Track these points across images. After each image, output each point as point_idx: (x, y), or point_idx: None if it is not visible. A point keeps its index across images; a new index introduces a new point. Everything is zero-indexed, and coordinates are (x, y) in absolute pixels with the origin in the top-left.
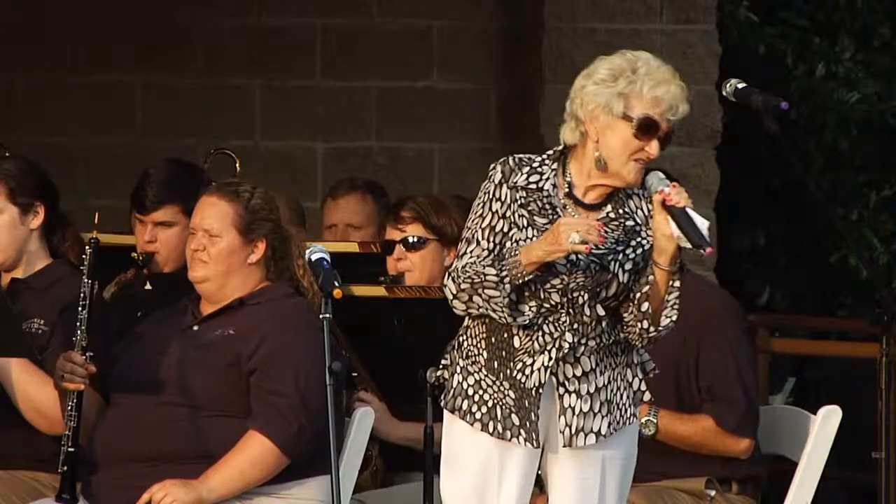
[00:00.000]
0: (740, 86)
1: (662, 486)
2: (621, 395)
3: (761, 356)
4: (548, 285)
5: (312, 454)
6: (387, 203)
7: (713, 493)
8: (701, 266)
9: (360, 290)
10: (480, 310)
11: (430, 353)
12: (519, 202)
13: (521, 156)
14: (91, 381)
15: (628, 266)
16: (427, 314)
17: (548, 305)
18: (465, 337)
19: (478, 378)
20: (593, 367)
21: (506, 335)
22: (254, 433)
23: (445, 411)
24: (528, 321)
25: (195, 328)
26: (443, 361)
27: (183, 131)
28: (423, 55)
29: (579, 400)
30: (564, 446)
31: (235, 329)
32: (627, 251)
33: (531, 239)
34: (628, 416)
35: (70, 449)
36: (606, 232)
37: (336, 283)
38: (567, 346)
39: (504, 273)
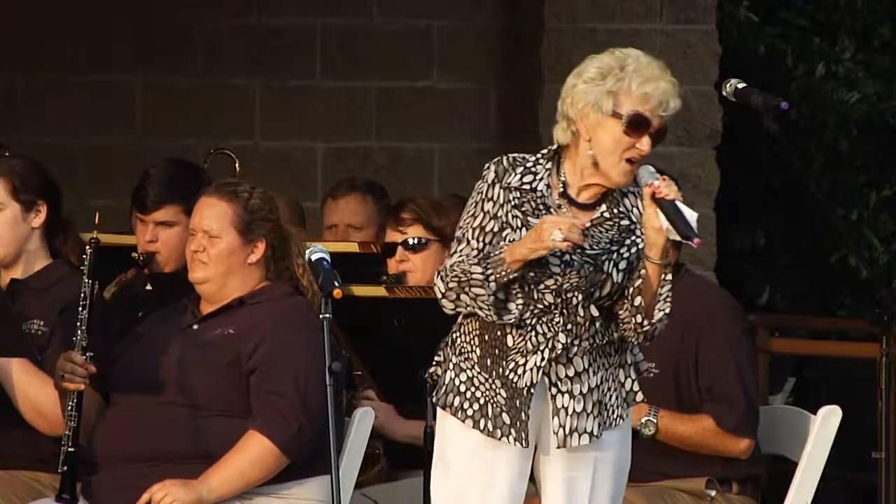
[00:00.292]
0: (740, 86)
1: (662, 486)
2: (612, 396)
3: (761, 356)
4: (541, 286)
5: (312, 454)
6: (387, 204)
7: (713, 493)
8: (701, 266)
9: (360, 290)
10: (468, 308)
11: (430, 353)
12: (513, 203)
13: (515, 155)
14: (91, 381)
15: (623, 266)
16: (427, 314)
17: (541, 306)
18: (458, 333)
19: (470, 375)
20: (586, 367)
21: (499, 333)
22: (254, 433)
23: (437, 408)
24: (514, 320)
25: (195, 328)
26: (436, 358)
27: (183, 131)
28: (423, 55)
29: (572, 400)
30: (558, 447)
31: (235, 328)
32: (622, 251)
33: None
34: (616, 416)
35: (70, 449)
36: (600, 232)
37: (336, 283)
38: (560, 346)
39: (489, 271)
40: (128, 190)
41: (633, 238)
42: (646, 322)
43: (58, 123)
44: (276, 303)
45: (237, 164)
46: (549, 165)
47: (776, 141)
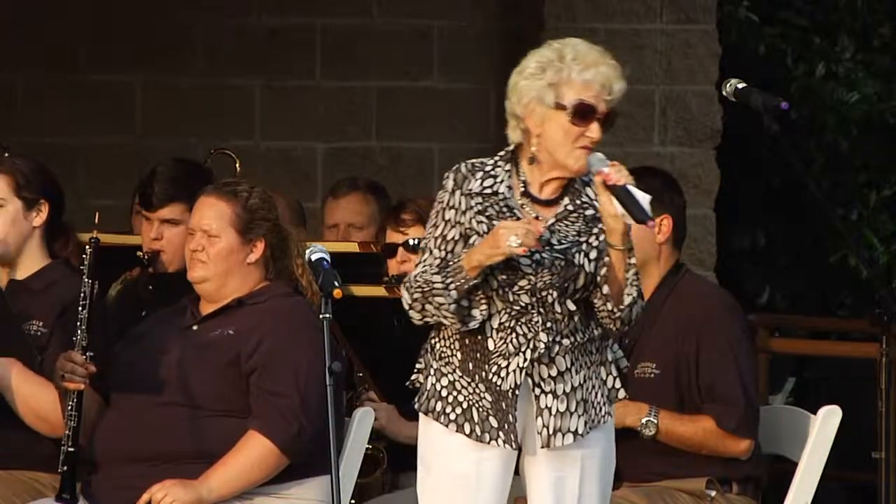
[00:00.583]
0: (740, 86)
1: (663, 487)
2: (596, 394)
3: (761, 356)
4: (516, 287)
5: (312, 454)
6: (388, 204)
7: (713, 493)
8: (701, 266)
9: (360, 290)
10: (434, 317)
11: None
12: (476, 209)
13: (474, 161)
14: (91, 381)
15: (593, 255)
16: None
17: (518, 307)
18: (437, 339)
19: (451, 379)
20: (568, 366)
21: (479, 337)
22: (254, 433)
23: (420, 413)
24: (476, 325)
25: (195, 328)
26: (417, 365)
27: (183, 131)
28: (423, 55)
29: (556, 400)
30: (543, 447)
31: (235, 329)
32: (591, 240)
33: None
34: (603, 413)
35: (70, 449)
36: (566, 225)
37: (336, 283)
38: (542, 346)
39: (449, 280)
40: (128, 190)
41: (600, 226)
42: (616, 309)
43: (58, 123)
44: (276, 303)
45: (237, 164)
46: (507, 167)
47: (776, 141)
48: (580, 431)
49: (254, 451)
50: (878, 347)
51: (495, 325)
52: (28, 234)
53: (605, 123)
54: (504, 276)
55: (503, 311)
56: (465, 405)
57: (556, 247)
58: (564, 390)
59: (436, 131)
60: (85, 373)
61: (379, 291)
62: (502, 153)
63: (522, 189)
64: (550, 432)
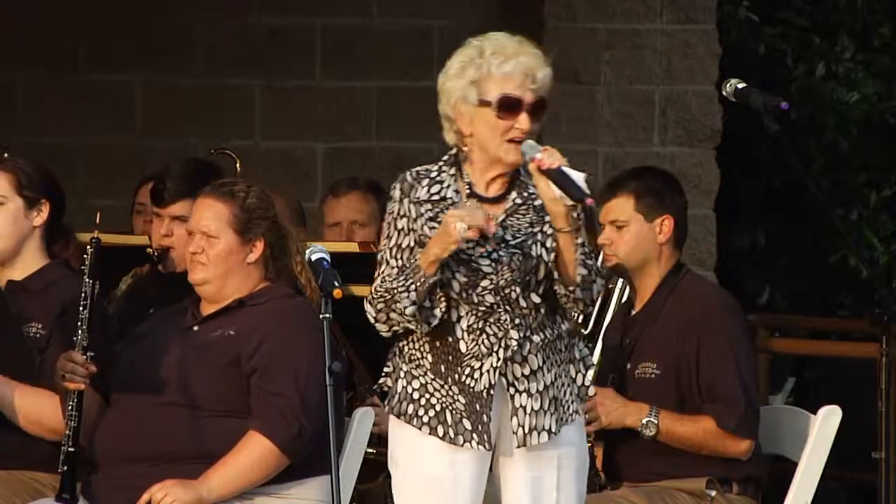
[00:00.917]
0: (740, 86)
1: (663, 487)
2: (566, 392)
3: (761, 356)
4: (479, 288)
5: (312, 454)
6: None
7: (714, 493)
8: (701, 266)
9: (361, 290)
10: (401, 325)
11: None
12: (426, 216)
13: (418, 169)
14: (91, 381)
15: (549, 244)
16: None
17: (483, 308)
18: (405, 342)
19: (423, 382)
20: (540, 364)
21: (450, 339)
22: (254, 433)
23: (391, 417)
24: (437, 322)
25: (195, 329)
26: (385, 368)
27: (183, 131)
28: (423, 55)
29: (530, 399)
30: (519, 446)
31: (236, 329)
32: (545, 229)
33: None
34: (571, 411)
35: (70, 449)
36: (517, 219)
37: (336, 283)
38: (514, 343)
39: (409, 282)
40: (128, 190)
41: None
42: (570, 291)
43: (58, 123)
44: (277, 304)
45: (238, 165)
46: (452, 171)
47: (776, 141)
48: (553, 429)
49: (254, 452)
50: (878, 347)
51: (465, 328)
52: (28, 234)
53: (534, 113)
54: (465, 279)
55: (470, 313)
56: (437, 408)
57: (511, 242)
58: (538, 388)
59: (436, 131)
60: (85, 373)
61: None
62: (445, 158)
63: (468, 191)
64: (526, 431)
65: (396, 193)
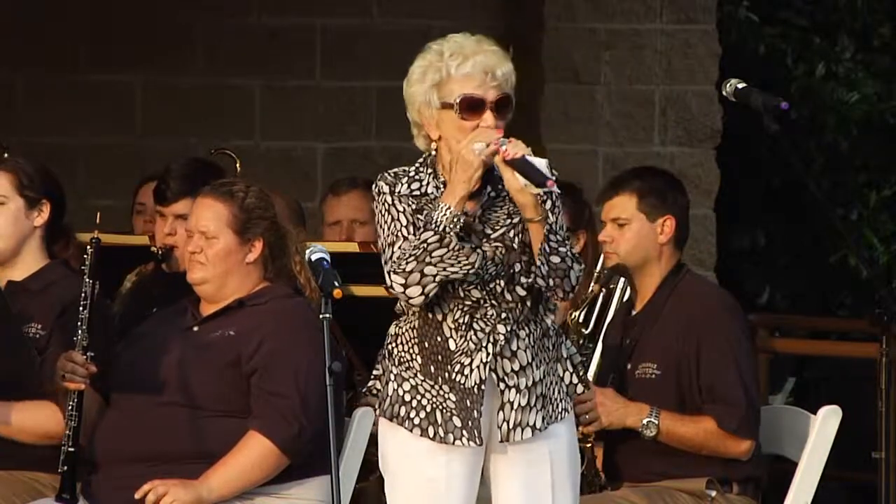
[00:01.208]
0: (740, 86)
1: (663, 487)
2: (554, 390)
3: (761, 356)
4: (465, 284)
5: (312, 454)
6: None
7: (714, 493)
8: (701, 266)
9: (360, 290)
10: (437, 278)
11: None
12: (413, 207)
13: (395, 170)
14: (91, 381)
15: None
16: None
17: (469, 303)
18: (394, 345)
19: (414, 384)
20: (530, 360)
21: (439, 339)
22: (254, 433)
23: (383, 420)
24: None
25: (195, 329)
26: (374, 372)
27: (183, 131)
28: None
29: (518, 394)
30: (501, 441)
31: (236, 330)
32: (523, 221)
33: None
34: (561, 409)
35: (70, 449)
36: (495, 212)
37: (336, 283)
38: (502, 337)
39: (442, 226)
40: (128, 190)
41: None
42: (547, 280)
43: (58, 123)
44: (277, 304)
45: (238, 165)
46: (429, 171)
47: (776, 141)
48: (538, 426)
49: (254, 452)
50: (878, 347)
51: (452, 325)
52: (28, 234)
53: (498, 109)
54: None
55: (456, 308)
56: (428, 408)
57: (492, 235)
58: (526, 384)
59: None
60: (85, 373)
61: (379, 291)
62: (421, 160)
63: (443, 189)
64: (510, 426)
65: (385, 188)
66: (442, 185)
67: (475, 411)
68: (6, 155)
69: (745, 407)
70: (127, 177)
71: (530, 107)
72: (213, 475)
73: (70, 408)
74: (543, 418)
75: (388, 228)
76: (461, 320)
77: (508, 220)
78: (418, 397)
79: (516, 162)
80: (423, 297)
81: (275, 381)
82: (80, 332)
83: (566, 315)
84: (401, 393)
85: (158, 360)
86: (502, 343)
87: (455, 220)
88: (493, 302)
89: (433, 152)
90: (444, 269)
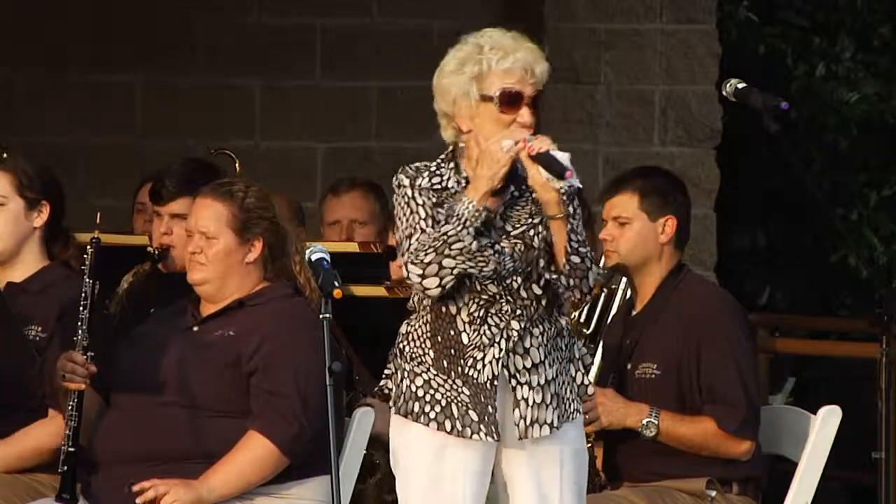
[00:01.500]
0: (740, 86)
1: (663, 486)
2: (567, 389)
3: (761, 356)
4: (482, 278)
5: (312, 454)
6: (386, 204)
7: (714, 493)
8: (701, 266)
9: (360, 290)
10: (455, 271)
11: None
12: (433, 200)
13: (416, 164)
14: (91, 381)
15: (549, 235)
16: None
17: (485, 297)
18: (405, 342)
19: (426, 378)
20: (542, 358)
21: (452, 332)
22: (254, 434)
23: (396, 417)
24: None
25: (195, 329)
26: (385, 371)
27: (183, 131)
28: (423, 55)
29: (531, 391)
30: (520, 438)
31: (236, 330)
32: (544, 220)
33: None
34: (573, 409)
35: (70, 449)
36: (517, 210)
37: (336, 283)
38: (516, 334)
39: (464, 219)
40: (128, 190)
41: None
42: (566, 279)
43: (58, 123)
44: (277, 304)
45: (237, 165)
46: (451, 166)
47: (776, 141)
48: (555, 423)
49: (254, 452)
50: (878, 347)
51: (466, 319)
52: (28, 235)
53: (533, 106)
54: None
55: (472, 302)
56: (443, 402)
57: (512, 232)
58: (539, 382)
59: (436, 131)
60: (85, 373)
61: (379, 291)
62: (442, 156)
63: (465, 184)
64: (527, 423)
65: (405, 181)
66: (464, 181)
67: (490, 406)
68: (5, 155)
69: (745, 407)
70: (127, 177)
71: None
72: (212, 475)
73: (70, 408)
74: (559, 417)
75: (407, 220)
76: (476, 314)
77: (529, 220)
78: (432, 391)
79: (541, 156)
80: (439, 290)
81: (275, 382)
82: (80, 332)
83: (569, 307)
84: (413, 389)
85: (158, 360)
86: (515, 339)
87: (477, 214)
88: (509, 298)
89: (461, 144)
90: (463, 263)
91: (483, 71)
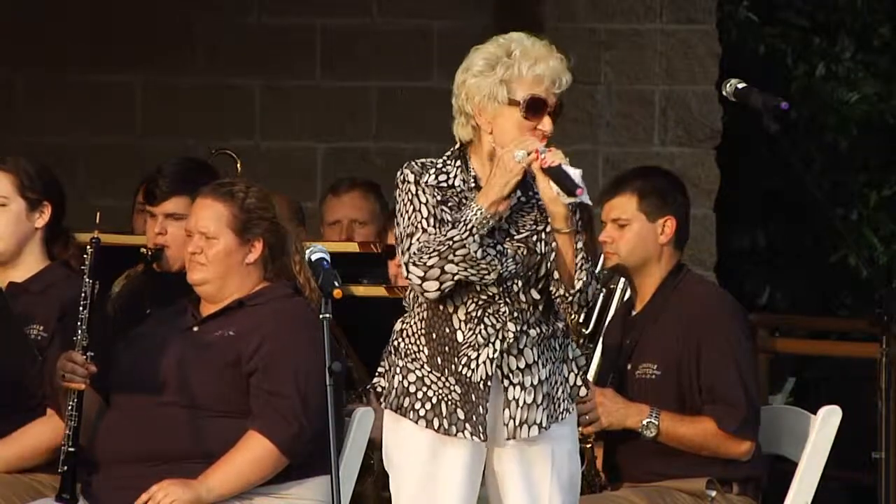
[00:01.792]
0: (740, 86)
1: (663, 487)
2: (559, 389)
3: (761, 356)
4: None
5: (312, 454)
6: (385, 204)
7: (714, 493)
8: (701, 266)
9: (360, 290)
10: (456, 277)
11: None
12: (437, 197)
13: (422, 160)
14: (91, 381)
15: (553, 243)
16: None
17: (485, 297)
18: (400, 339)
19: (419, 375)
20: (536, 359)
21: (447, 330)
22: (253, 433)
23: (388, 412)
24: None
25: (195, 329)
26: (379, 369)
27: (183, 131)
28: (423, 55)
29: (523, 392)
30: (507, 438)
31: (236, 330)
32: (548, 228)
33: None
34: (563, 409)
35: (70, 449)
36: (522, 216)
37: (336, 283)
38: (511, 335)
39: (471, 225)
40: (128, 190)
41: None
42: (568, 293)
43: (58, 123)
44: (277, 304)
45: (238, 165)
46: (458, 164)
47: (776, 141)
48: (544, 424)
49: (253, 452)
50: (878, 347)
51: (463, 317)
52: (29, 235)
53: (554, 116)
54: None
55: (470, 301)
56: (434, 400)
57: (516, 236)
58: (532, 382)
59: (436, 131)
60: (85, 373)
61: (379, 291)
62: (449, 152)
63: (473, 184)
64: (517, 423)
65: (410, 177)
66: (472, 180)
67: (480, 406)
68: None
69: (745, 408)
70: (127, 177)
71: None
72: (212, 475)
73: (70, 408)
74: (549, 417)
75: (409, 218)
76: (473, 313)
77: (534, 226)
78: (424, 388)
79: (552, 170)
80: (438, 293)
81: (275, 381)
82: (80, 332)
83: (566, 316)
84: (406, 385)
85: (158, 360)
86: (510, 341)
87: (485, 222)
88: (507, 300)
89: (478, 143)
90: (465, 271)
91: (514, 75)
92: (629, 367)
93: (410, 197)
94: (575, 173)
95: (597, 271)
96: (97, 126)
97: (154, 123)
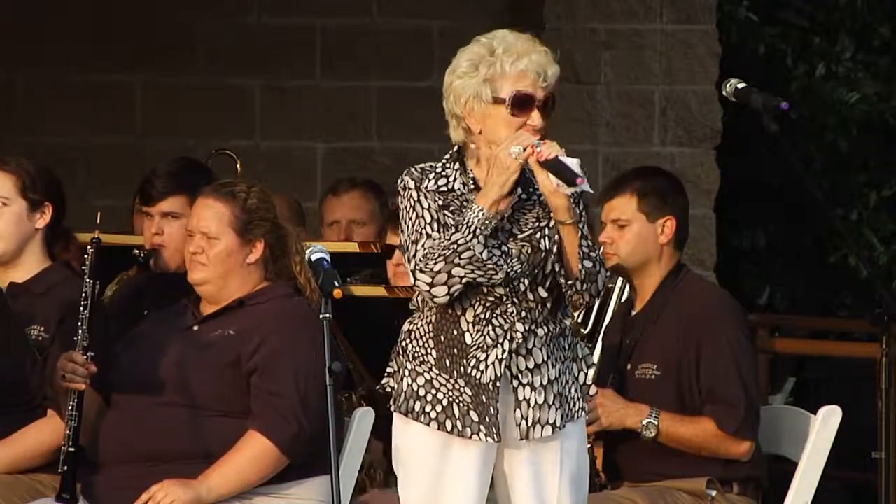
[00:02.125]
0: (740, 86)
1: (663, 487)
2: (570, 388)
3: (761, 356)
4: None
5: (312, 454)
6: (385, 203)
7: (714, 493)
8: (701, 266)
9: (360, 290)
10: (464, 280)
11: None
12: (439, 202)
13: (422, 165)
14: (91, 381)
15: (556, 237)
16: None
17: (492, 298)
18: (408, 341)
19: (428, 378)
20: (545, 359)
21: (455, 332)
22: (253, 433)
23: (397, 415)
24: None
25: (195, 329)
26: (387, 370)
27: (183, 131)
28: (423, 55)
29: (533, 392)
30: (521, 439)
31: (236, 329)
32: (551, 223)
33: None
34: (577, 409)
35: (70, 449)
36: (524, 213)
37: (336, 283)
38: (520, 336)
39: (473, 227)
40: (128, 190)
41: None
42: (576, 283)
43: (58, 123)
44: (277, 303)
45: (238, 165)
46: (456, 166)
47: (776, 141)
48: (557, 424)
49: (253, 451)
50: (878, 347)
51: (471, 319)
52: (30, 236)
53: (544, 110)
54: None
55: (478, 303)
56: (444, 402)
57: (519, 235)
58: (541, 382)
59: (436, 131)
60: (86, 373)
61: (379, 291)
62: (448, 155)
63: (472, 186)
64: (529, 424)
65: (411, 183)
66: (471, 182)
67: (491, 407)
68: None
69: (745, 408)
70: (127, 177)
71: None
72: (212, 475)
73: (70, 408)
74: (562, 416)
75: (413, 225)
76: (481, 315)
77: (537, 223)
78: (433, 391)
79: (550, 163)
80: (447, 297)
81: (274, 381)
82: (80, 332)
83: (574, 311)
84: (415, 388)
85: (158, 360)
86: (519, 341)
87: (487, 222)
88: (515, 300)
89: (472, 145)
90: (472, 273)
91: (497, 73)
92: (629, 367)
93: (412, 204)
94: (573, 163)
95: (605, 273)
96: (97, 126)
97: (154, 123)
